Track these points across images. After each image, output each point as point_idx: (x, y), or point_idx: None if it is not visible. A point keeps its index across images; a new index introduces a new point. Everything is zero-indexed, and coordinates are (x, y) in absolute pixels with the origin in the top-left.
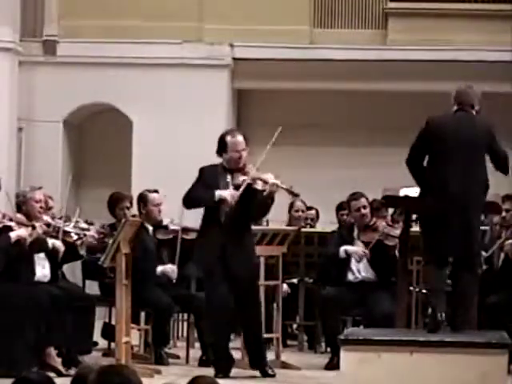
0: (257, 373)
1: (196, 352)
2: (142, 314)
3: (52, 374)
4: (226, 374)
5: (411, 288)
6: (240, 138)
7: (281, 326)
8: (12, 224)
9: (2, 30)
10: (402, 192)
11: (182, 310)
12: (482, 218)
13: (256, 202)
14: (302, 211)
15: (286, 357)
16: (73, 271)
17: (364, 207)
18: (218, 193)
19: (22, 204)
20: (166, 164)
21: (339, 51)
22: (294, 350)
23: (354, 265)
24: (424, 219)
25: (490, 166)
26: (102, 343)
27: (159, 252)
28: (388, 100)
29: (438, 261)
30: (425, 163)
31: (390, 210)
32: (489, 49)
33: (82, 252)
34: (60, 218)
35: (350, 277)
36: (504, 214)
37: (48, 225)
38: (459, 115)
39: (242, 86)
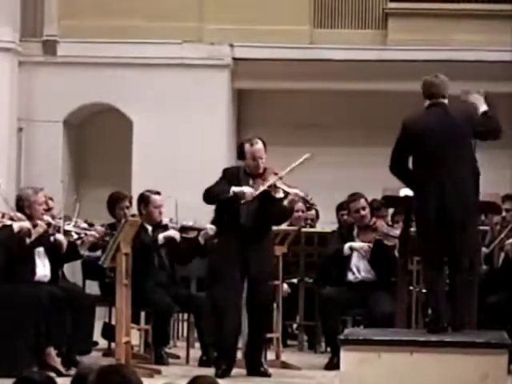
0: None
1: (196, 352)
2: (142, 314)
3: (52, 374)
4: (226, 374)
5: (411, 288)
6: (258, 146)
7: (281, 325)
8: (13, 224)
9: (2, 30)
10: (402, 192)
11: (182, 310)
12: (482, 217)
13: (275, 209)
14: (302, 211)
15: (286, 357)
16: (73, 271)
17: (363, 208)
18: (234, 188)
19: (26, 208)
20: (166, 164)
21: (339, 51)
22: (294, 349)
23: (354, 265)
24: (418, 221)
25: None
26: (102, 343)
27: (159, 252)
28: (388, 100)
29: (434, 262)
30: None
31: (391, 210)
32: (489, 49)
33: (83, 252)
34: (60, 218)
35: (350, 277)
36: (504, 213)
37: (48, 224)
38: (433, 110)
39: (242, 86)
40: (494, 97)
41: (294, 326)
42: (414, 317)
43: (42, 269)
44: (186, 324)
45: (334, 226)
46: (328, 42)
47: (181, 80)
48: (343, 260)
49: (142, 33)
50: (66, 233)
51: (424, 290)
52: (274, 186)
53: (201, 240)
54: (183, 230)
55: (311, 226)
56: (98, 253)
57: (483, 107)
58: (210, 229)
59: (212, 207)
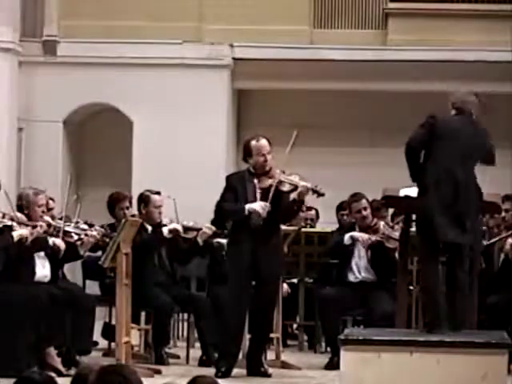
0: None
1: (196, 352)
2: (142, 314)
3: (52, 374)
4: (226, 375)
5: (411, 287)
6: (264, 141)
7: (281, 326)
8: (13, 224)
9: (2, 30)
10: (402, 192)
11: (182, 310)
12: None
13: (284, 204)
14: (302, 211)
15: (286, 357)
16: (73, 271)
17: (365, 209)
18: (248, 206)
19: (25, 208)
20: (166, 164)
21: (339, 51)
22: (294, 349)
23: (354, 264)
24: (420, 216)
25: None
26: (102, 343)
27: (159, 251)
28: (388, 100)
29: (435, 259)
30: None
31: (390, 210)
32: (489, 49)
33: (82, 252)
34: (60, 219)
35: (350, 277)
36: (504, 214)
37: (48, 225)
38: (462, 117)
39: (242, 86)
40: (494, 97)
41: (294, 326)
42: (414, 317)
43: (42, 269)
44: (185, 324)
45: (334, 226)
46: (328, 42)
47: (181, 80)
48: (344, 251)
49: (142, 33)
50: (66, 233)
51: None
52: (280, 181)
53: (199, 240)
54: (183, 229)
55: (311, 226)
56: (98, 253)
57: None
58: (208, 228)
59: (212, 207)
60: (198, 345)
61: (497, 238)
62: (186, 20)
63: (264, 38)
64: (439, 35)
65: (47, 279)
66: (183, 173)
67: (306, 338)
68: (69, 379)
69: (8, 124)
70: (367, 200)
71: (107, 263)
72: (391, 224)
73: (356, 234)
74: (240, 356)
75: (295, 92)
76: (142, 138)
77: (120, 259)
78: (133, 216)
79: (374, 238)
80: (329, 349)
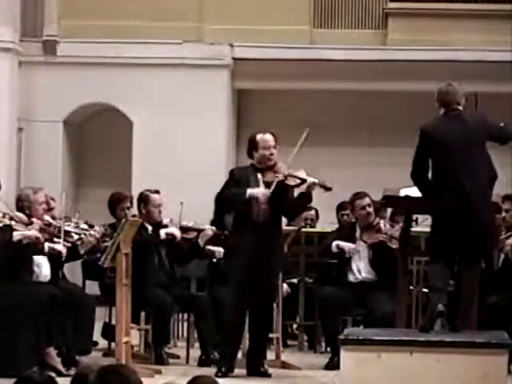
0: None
1: (196, 352)
2: (142, 314)
3: (52, 374)
4: (226, 375)
5: (411, 287)
6: (269, 135)
7: (281, 325)
8: (12, 223)
9: (2, 30)
10: (403, 192)
11: (182, 310)
12: None
13: (289, 199)
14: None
15: (286, 357)
16: (73, 271)
17: (369, 205)
18: (250, 191)
19: (26, 208)
20: (166, 164)
21: (339, 51)
22: (294, 350)
23: (354, 265)
24: (436, 218)
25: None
26: (102, 343)
27: (158, 251)
28: (388, 100)
29: (447, 260)
30: (429, 175)
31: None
32: (489, 49)
33: (82, 251)
34: (60, 219)
35: (350, 277)
36: (504, 214)
37: (49, 225)
38: (450, 116)
39: (242, 86)
40: (494, 97)
41: (294, 326)
42: (414, 317)
43: (42, 269)
44: (186, 324)
45: (334, 226)
46: (328, 42)
47: (181, 80)
48: (333, 256)
49: (142, 33)
50: (67, 233)
51: (425, 290)
52: (289, 176)
53: (200, 242)
54: (183, 230)
55: (311, 226)
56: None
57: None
58: (210, 229)
59: (211, 207)
60: (198, 345)
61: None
62: (186, 20)
63: (264, 38)
64: (439, 35)
65: (47, 279)
66: (183, 173)
67: (306, 337)
68: (69, 379)
69: (8, 124)
70: (370, 198)
71: (107, 263)
72: (391, 224)
73: (342, 243)
74: (240, 356)
75: (295, 92)
76: (142, 138)
77: (120, 259)
78: (133, 216)
79: (358, 247)
80: (329, 349)
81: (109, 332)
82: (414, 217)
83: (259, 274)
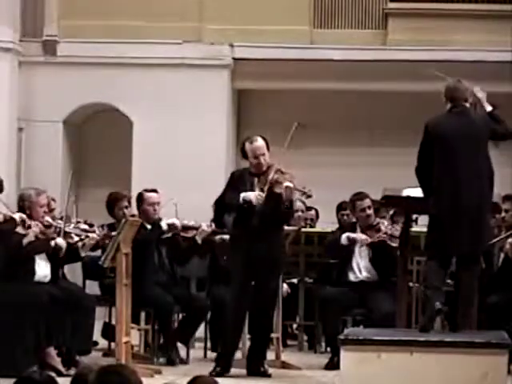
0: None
1: (196, 352)
2: (142, 314)
3: (52, 374)
4: (224, 373)
5: (411, 284)
6: (257, 143)
7: (281, 326)
8: (16, 217)
9: (2, 30)
10: (406, 192)
11: (182, 310)
12: None
13: (280, 206)
14: (302, 211)
15: (286, 357)
16: (73, 271)
17: (369, 207)
18: (243, 195)
19: (27, 208)
20: (166, 164)
21: (339, 51)
22: (294, 350)
23: (355, 263)
24: (433, 217)
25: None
26: (102, 343)
27: (159, 251)
28: (388, 100)
29: (442, 260)
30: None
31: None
32: (489, 49)
33: (83, 254)
34: (61, 219)
35: (351, 276)
36: (504, 214)
37: (49, 226)
38: (455, 112)
39: (242, 86)
40: (494, 97)
41: (294, 326)
42: (414, 317)
43: (42, 269)
44: None
45: (334, 226)
46: (328, 42)
47: (181, 80)
48: (341, 251)
49: (142, 33)
50: (67, 234)
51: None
52: (275, 182)
53: (198, 239)
54: (183, 229)
55: (311, 226)
56: (98, 252)
57: (488, 107)
58: (207, 226)
59: (211, 207)
60: (198, 345)
61: (497, 239)
62: (186, 20)
63: (264, 38)
64: (439, 35)
65: (47, 279)
66: (183, 172)
67: (305, 338)
68: (69, 379)
69: (8, 124)
70: (370, 199)
71: (107, 263)
72: (391, 224)
73: (353, 234)
74: (240, 356)
75: (295, 92)
76: (142, 137)
77: (120, 259)
78: (132, 216)
79: (370, 240)
80: (329, 349)
81: (109, 332)
82: (414, 217)
83: (259, 275)
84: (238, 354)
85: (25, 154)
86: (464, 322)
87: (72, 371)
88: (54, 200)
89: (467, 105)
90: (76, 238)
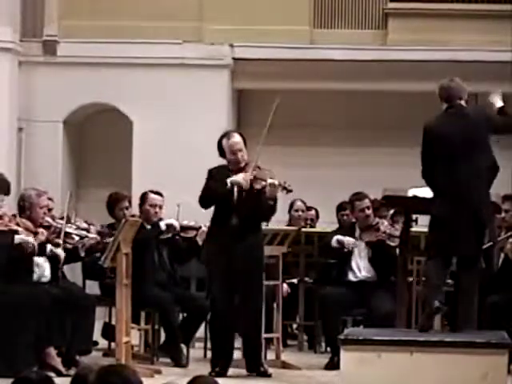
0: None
1: (196, 352)
2: (142, 314)
3: (52, 374)
4: (222, 373)
5: (410, 279)
6: (234, 139)
7: (281, 326)
8: (19, 229)
9: (2, 30)
10: (411, 192)
11: (182, 310)
12: None
13: (260, 202)
14: (302, 211)
15: (285, 357)
16: (73, 271)
17: (368, 208)
18: (230, 179)
19: (27, 209)
20: (166, 164)
21: (339, 51)
22: (294, 349)
23: (354, 263)
24: (434, 218)
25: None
26: (102, 343)
27: (159, 251)
28: (388, 100)
29: (443, 259)
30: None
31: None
32: (489, 49)
33: (83, 254)
34: (61, 219)
35: (351, 276)
36: (504, 214)
37: (49, 226)
38: (451, 112)
39: (242, 86)
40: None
41: (294, 326)
42: (414, 317)
43: (42, 269)
44: None
45: (334, 226)
46: (328, 42)
47: (181, 80)
48: (333, 253)
49: (142, 33)
50: (67, 235)
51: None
52: (255, 178)
53: (198, 240)
54: (182, 229)
55: (311, 226)
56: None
57: (499, 103)
58: (205, 227)
59: (211, 207)
60: (198, 345)
61: (497, 239)
62: (186, 20)
63: (264, 38)
64: (439, 35)
65: (47, 279)
66: (183, 173)
67: (305, 338)
68: (69, 379)
69: (8, 124)
70: (370, 199)
71: (107, 263)
72: (391, 223)
73: (341, 237)
74: (240, 356)
75: (295, 92)
76: (142, 137)
77: (120, 259)
78: (133, 216)
79: (357, 242)
80: (329, 349)
81: (109, 332)
82: (414, 217)
83: (240, 274)
84: (238, 354)
85: (25, 154)
86: (464, 322)
87: (72, 371)
88: (51, 200)
89: (463, 103)
90: (76, 238)
